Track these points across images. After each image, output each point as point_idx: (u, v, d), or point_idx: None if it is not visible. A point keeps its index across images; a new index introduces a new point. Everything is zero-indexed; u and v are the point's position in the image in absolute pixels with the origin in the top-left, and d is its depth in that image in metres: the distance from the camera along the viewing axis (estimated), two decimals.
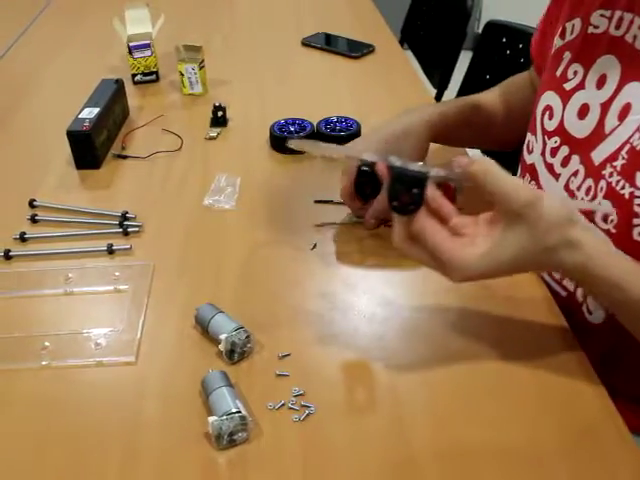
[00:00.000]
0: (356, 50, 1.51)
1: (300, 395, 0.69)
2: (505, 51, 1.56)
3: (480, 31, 1.67)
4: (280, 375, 0.72)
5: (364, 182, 0.85)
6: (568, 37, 0.84)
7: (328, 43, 1.57)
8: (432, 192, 0.61)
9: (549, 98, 0.85)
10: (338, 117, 1.14)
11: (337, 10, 1.82)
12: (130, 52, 1.35)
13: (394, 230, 0.64)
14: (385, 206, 0.63)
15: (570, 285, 0.84)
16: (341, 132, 1.11)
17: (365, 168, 0.83)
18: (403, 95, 1.32)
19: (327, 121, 1.14)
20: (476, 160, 0.60)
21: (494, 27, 1.60)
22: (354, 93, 1.34)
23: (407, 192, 0.60)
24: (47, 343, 0.76)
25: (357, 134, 1.12)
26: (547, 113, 0.85)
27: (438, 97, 1.82)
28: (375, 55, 1.52)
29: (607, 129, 0.76)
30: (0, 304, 0.83)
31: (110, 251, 0.90)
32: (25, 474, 0.64)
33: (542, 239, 0.60)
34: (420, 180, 0.60)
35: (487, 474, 0.62)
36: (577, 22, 0.82)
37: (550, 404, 0.68)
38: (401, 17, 2.17)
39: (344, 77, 1.42)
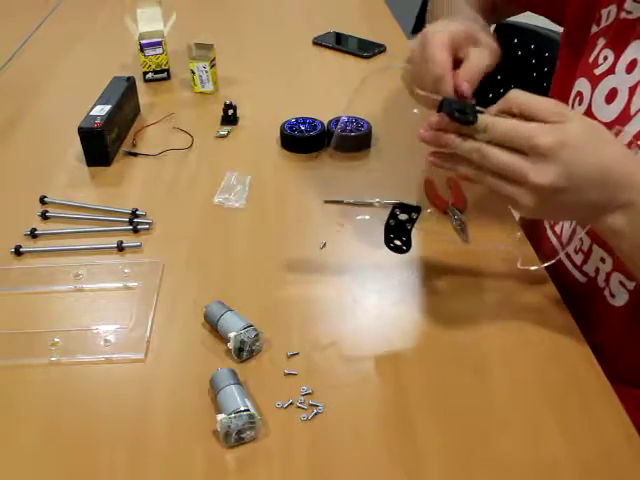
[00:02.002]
0: (367, 50, 1.51)
1: (308, 394, 0.69)
2: (517, 52, 1.55)
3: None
4: (289, 374, 0.72)
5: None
6: (603, 23, 0.84)
7: (339, 43, 1.57)
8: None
9: (581, 84, 0.86)
10: (349, 117, 1.14)
11: (348, 10, 1.82)
12: (142, 50, 1.35)
13: (461, 143, 0.65)
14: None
15: (591, 271, 0.85)
16: (351, 132, 1.11)
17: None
18: None
19: (338, 120, 1.13)
20: (510, 93, 0.65)
21: (506, 28, 1.59)
22: (365, 93, 1.34)
23: (463, 110, 0.64)
24: (57, 339, 0.76)
25: (368, 135, 1.12)
26: (577, 99, 0.86)
27: None
28: (386, 55, 1.52)
29: (632, 111, 0.77)
30: (10, 300, 0.84)
31: (120, 248, 0.90)
32: (34, 469, 0.64)
33: (596, 131, 0.64)
34: (469, 104, 0.65)
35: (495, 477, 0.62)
36: (612, 8, 0.83)
37: (554, 401, 0.69)
38: (412, 17, 2.17)
39: (355, 77, 1.42)
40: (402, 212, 0.75)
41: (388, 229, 0.77)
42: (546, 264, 0.81)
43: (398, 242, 0.78)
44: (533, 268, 0.81)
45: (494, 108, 0.65)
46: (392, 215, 0.75)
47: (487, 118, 0.63)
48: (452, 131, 0.65)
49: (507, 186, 0.64)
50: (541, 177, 0.61)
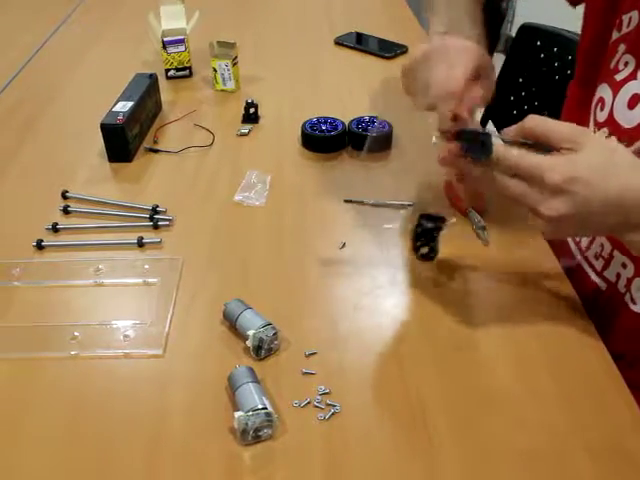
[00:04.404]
0: (389, 50, 1.51)
1: (326, 394, 0.69)
2: (539, 54, 1.54)
3: (514, 34, 1.66)
4: (306, 373, 0.72)
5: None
6: (625, 29, 0.83)
7: (360, 43, 1.57)
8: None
9: (602, 90, 0.85)
10: (370, 117, 1.14)
11: (370, 10, 1.81)
12: (164, 47, 1.36)
13: (477, 172, 0.67)
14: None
15: (612, 276, 0.85)
16: (373, 133, 1.11)
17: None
18: None
19: (359, 120, 1.13)
20: (527, 119, 0.65)
21: (528, 30, 1.59)
22: (386, 94, 1.34)
23: (478, 142, 0.66)
24: (77, 333, 0.77)
25: (389, 135, 1.12)
26: (599, 105, 0.85)
27: None
28: (408, 56, 1.51)
29: None
30: (32, 293, 0.84)
31: (140, 244, 0.90)
32: (52, 461, 0.64)
33: (610, 156, 0.64)
34: (486, 135, 0.66)
35: (510, 476, 0.62)
36: (634, 14, 0.82)
37: (568, 399, 0.68)
38: None
39: (376, 77, 1.42)
40: (428, 222, 0.78)
41: (416, 236, 0.80)
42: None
43: (425, 250, 0.81)
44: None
45: (512, 132, 0.67)
46: (419, 224, 0.79)
47: (500, 151, 0.64)
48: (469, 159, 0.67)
49: (524, 209, 0.66)
50: (551, 211, 0.63)
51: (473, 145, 0.66)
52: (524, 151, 0.64)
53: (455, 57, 0.77)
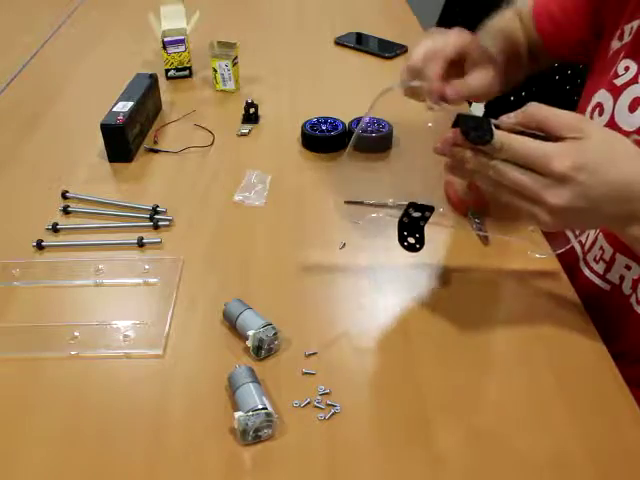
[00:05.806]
0: (389, 51, 1.51)
1: (326, 394, 0.69)
2: None
3: None
4: (306, 373, 0.72)
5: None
6: (626, 39, 0.83)
7: (361, 43, 1.57)
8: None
9: (600, 96, 0.85)
10: (370, 117, 1.14)
11: (370, 10, 1.81)
12: (164, 47, 1.35)
13: (476, 160, 0.65)
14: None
15: (615, 279, 0.84)
16: (372, 133, 1.11)
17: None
18: None
19: (359, 121, 1.13)
20: (528, 105, 0.64)
21: None
22: (386, 94, 1.33)
23: (478, 127, 0.63)
24: (77, 333, 0.77)
25: (389, 136, 1.12)
26: (597, 110, 0.85)
27: None
28: (408, 56, 1.51)
29: None
30: (32, 293, 0.84)
31: (140, 244, 0.90)
32: (51, 462, 0.64)
33: (615, 145, 0.63)
34: (486, 120, 0.64)
35: (511, 476, 0.62)
36: (636, 24, 0.82)
37: (568, 398, 0.68)
38: (435, 18, 2.16)
39: (377, 77, 1.42)
40: (416, 211, 0.75)
41: (402, 227, 0.77)
42: (558, 251, 0.83)
43: (411, 240, 0.78)
44: (541, 255, 0.84)
45: (512, 119, 0.65)
46: (405, 213, 0.76)
47: (503, 137, 0.62)
48: (467, 147, 0.65)
49: (523, 203, 0.64)
50: (557, 199, 0.61)
51: (473, 130, 0.64)
52: (527, 138, 0.62)
53: (434, 55, 0.80)
